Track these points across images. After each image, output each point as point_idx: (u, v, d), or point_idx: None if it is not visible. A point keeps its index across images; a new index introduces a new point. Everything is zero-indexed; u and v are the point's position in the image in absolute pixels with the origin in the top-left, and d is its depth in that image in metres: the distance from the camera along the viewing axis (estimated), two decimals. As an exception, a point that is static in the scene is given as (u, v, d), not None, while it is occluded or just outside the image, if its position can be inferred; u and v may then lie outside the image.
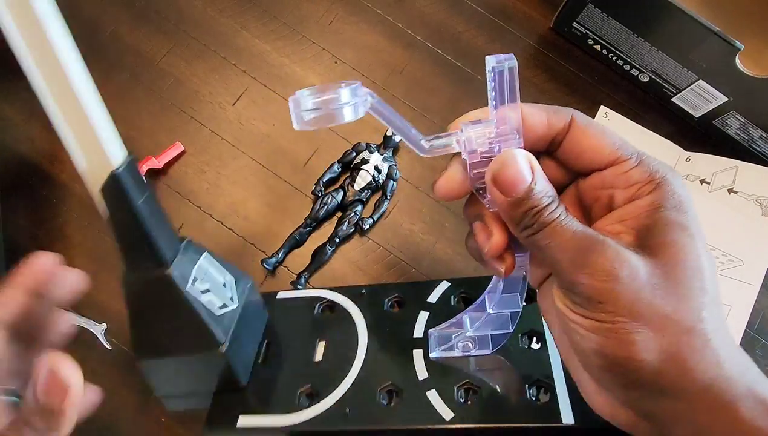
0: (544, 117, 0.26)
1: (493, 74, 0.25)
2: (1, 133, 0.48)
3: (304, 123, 0.24)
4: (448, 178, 0.27)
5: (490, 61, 0.25)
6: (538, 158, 0.26)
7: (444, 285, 0.38)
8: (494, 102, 0.25)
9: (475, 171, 0.26)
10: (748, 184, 0.49)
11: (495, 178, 0.24)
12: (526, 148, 0.25)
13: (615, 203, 0.26)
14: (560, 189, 0.29)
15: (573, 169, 0.27)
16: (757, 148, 0.50)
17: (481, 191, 0.27)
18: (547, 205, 0.24)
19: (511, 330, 0.32)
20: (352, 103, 0.24)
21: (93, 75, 0.52)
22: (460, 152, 0.26)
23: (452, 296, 0.37)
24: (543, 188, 0.24)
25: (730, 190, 0.49)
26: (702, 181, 0.49)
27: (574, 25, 0.51)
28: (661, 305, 0.22)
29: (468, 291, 0.37)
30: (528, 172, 0.24)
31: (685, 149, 0.50)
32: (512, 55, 0.25)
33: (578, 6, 0.49)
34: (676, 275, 0.23)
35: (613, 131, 0.26)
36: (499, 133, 0.25)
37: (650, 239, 0.24)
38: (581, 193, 0.28)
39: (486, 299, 0.31)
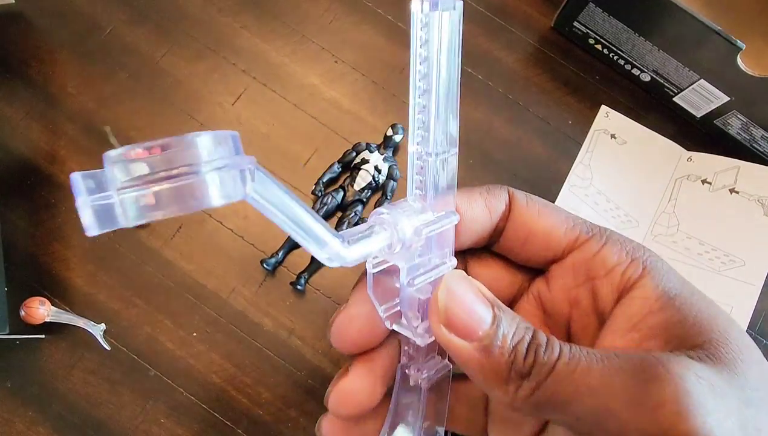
0: (480, 203, 0.20)
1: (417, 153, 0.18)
2: (0, 133, 0.48)
3: (107, 218, 0.13)
4: (353, 317, 0.20)
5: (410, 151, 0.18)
6: (474, 259, 0.21)
7: None
8: (423, 185, 0.19)
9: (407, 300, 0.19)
10: (749, 184, 0.48)
11: (449, 317, 0.17)
12: (463, 245, 0.20)
13: (601, 302, 0.20)
14: (512, 300, 0.22)
15: (524, 263, 0.22)
16: (759, 148, 0.50)
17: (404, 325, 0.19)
18: (533, 339, 0.17)
19: None
20: (222, 168, 0.13)
21: (92, 75, 0.52)
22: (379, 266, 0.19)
23: None
24: (511, 320, 0.18)
25: (731, 191, 0.49)
26: (703, 182, 0.49)
27: (575, 24, 0.51)
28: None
29: None
30: (486, 304, 0.18)
31: (686, 149, 0.50)
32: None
33: (579, 5, 0.49)
34: (750, 375, 0.17)
35: (560, 206, 0.21)
36: (440, 223, 0.19)
37: (692, 339, 0.18)
38: (547, 302, 0.21)
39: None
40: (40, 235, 0.46)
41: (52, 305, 0.43)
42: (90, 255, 0.45)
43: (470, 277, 0.19)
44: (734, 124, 0.49)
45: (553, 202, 0.48)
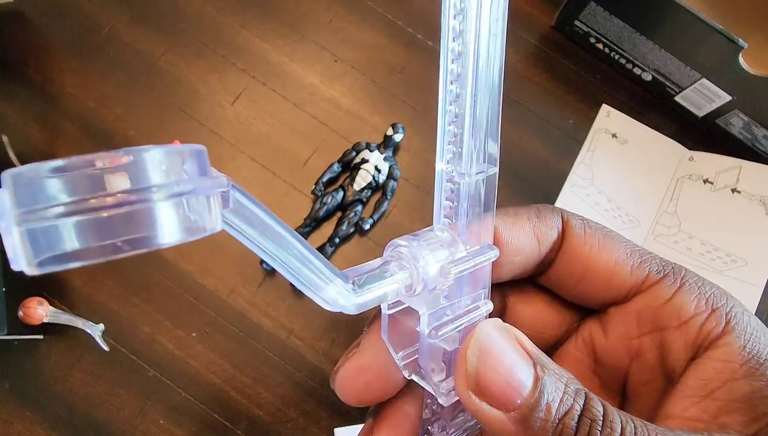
0: (528, 230, 0.17)
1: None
2: (-1, 133, 0.48)
3: (41, 256, 0.10)
4: (363, 366, 0.16)
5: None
6: (515, 293, 0.17)
7: None
8: (454, 213, 0.16)
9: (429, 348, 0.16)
10: (751, 183, 0.48)
11: (480, 383, 0.14)
12: (503, 278, 0.17)
13: (671, 359, 0.16)
14: (557, 342, 0.19)
15: (575, 302, 0.19)
16: (761, 148, 0.50)
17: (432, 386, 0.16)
18: (585, 409, 0.14)
19: None
20: (182, 194, 0.10)
21: (91, 74, 0.52)
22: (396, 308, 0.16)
23: None
24: (557, 380, 0.14)
25: (733, 190, 0.48)
26: (705, 181, 0.49)
27: (576, 23, 0.51)
28: None
29: None
30: (528, 362, 0.15)
31: (688, 148, 0.50)
32: None
33: (580, 4, 0.48)
34: None
35: (622, 236, 0.17)
36: (473, 260, 0.15)
37: None
38: (601, 350, 0.18)
39: None
40: (38, 235, 0.45)
41: (51, 305, 0.43)
42: (89, 255, 0.45)
43: (509, 325, 0.15)
44: (736, 124, 0.49)
45: (554, 202, 0.48)
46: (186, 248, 0.46)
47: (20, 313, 0.42)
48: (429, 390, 0.16)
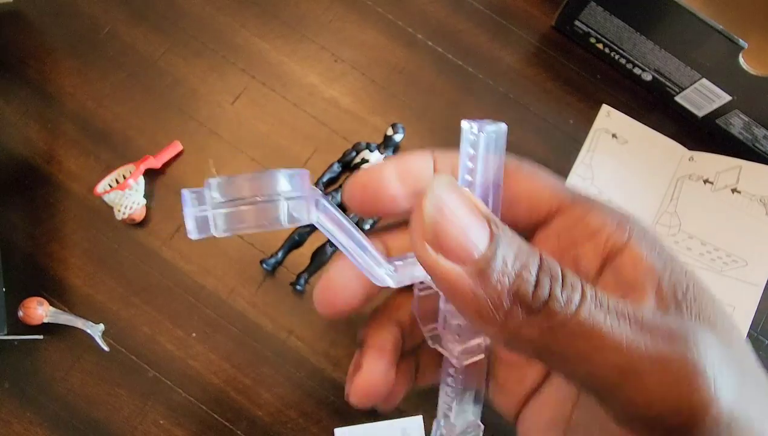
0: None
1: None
2: (-2, 133, 0.48)
3: (204, 227, 0.16)
4: (331, 280, 0.19)
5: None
6: None
7: None
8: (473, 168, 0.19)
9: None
10: (751, 183, 0.48)
11: (438, 234, 0.15)
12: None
13: (584, 269, 0.18)
14: None
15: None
16: (761, 148, 0.50)
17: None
18: (542, 267, 0.15)
19: None
20: (292, 197, 0.16)
21: (90, 74, 0.52)
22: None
23: None
24: (511, 240, 0.15)
25: (733, 190, 0.48)
26: (705, 181, 0.49)
27: (576, 23, 0.51)
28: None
29: None
30: (482, 219, 0.15)
31: (688, 149, 0.50)
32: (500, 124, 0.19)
33: (580, 4, 0.48)
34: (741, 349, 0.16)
35: (549, 174, 0.20)
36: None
37: (690, 309, 0.17)
38: None
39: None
40: (38, 235, 0.45)
41: (51, 305, 0.43)
42: (89, 255, 0.45)
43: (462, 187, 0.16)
44: (736, 124, 0.49)
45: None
46: (186, 248, 0.46)
47: (20, 313, 0.42)
48: (447, 356, 0.21)
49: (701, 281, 0.17)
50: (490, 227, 0.15)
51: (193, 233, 0.16)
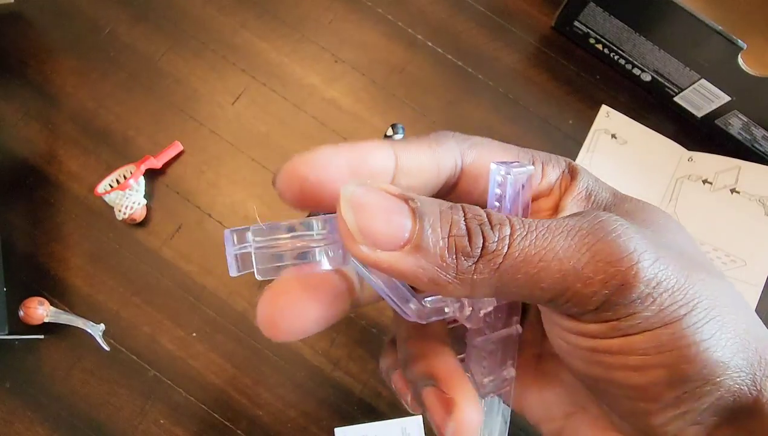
0: (427, 152, 0.19)
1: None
2: (-1, 133, 0.48)
3: (243, 265, 0.17)
4: (288, 298, 0.19)
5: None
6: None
7: None
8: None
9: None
10: (750, 184, 0.48)
11: (366, 232, 0.15)
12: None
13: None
14: None
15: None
16: (760, 148, 0.50)
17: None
18: (467, 216, 0.16)
19: None
20: (329, 244, 0.17)
21: (91, 74, 0.52)
22: None
23: None
24: (431, 204, 0.16)
25: (732, 191, 0.48)
26: (704, 181, 0.49)
27: (576, 24, 0.51)
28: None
29: None
30: (398, 201, 0.16)
31: (687, 149, 0.50)
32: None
33: (580, 5, 0.48)
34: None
35: (517, 146, 0.20)
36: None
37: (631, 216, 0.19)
38: None
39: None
40: (38, 235, 0.45)
41: (51, 305, 0.43)
42: (89, 255, 0.45)
43: (364, 179, 0.16)
44: (735, 124, 0.49)
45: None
46: (186, 248, 0.46)
47: (21, 313, 0.42)
48: (474, 386, 0.21)
49: (628, 195, 0.20)
50: (408, 204, 0.16)
51: (232, 269, 0.17)
